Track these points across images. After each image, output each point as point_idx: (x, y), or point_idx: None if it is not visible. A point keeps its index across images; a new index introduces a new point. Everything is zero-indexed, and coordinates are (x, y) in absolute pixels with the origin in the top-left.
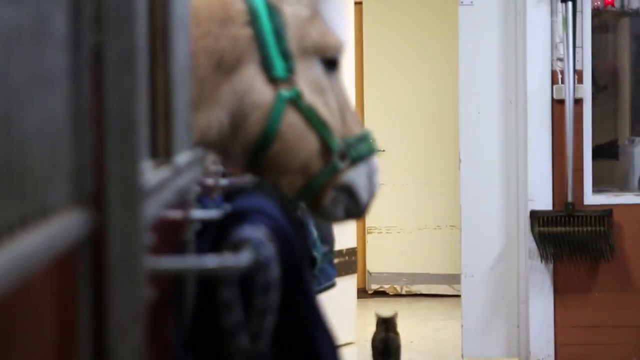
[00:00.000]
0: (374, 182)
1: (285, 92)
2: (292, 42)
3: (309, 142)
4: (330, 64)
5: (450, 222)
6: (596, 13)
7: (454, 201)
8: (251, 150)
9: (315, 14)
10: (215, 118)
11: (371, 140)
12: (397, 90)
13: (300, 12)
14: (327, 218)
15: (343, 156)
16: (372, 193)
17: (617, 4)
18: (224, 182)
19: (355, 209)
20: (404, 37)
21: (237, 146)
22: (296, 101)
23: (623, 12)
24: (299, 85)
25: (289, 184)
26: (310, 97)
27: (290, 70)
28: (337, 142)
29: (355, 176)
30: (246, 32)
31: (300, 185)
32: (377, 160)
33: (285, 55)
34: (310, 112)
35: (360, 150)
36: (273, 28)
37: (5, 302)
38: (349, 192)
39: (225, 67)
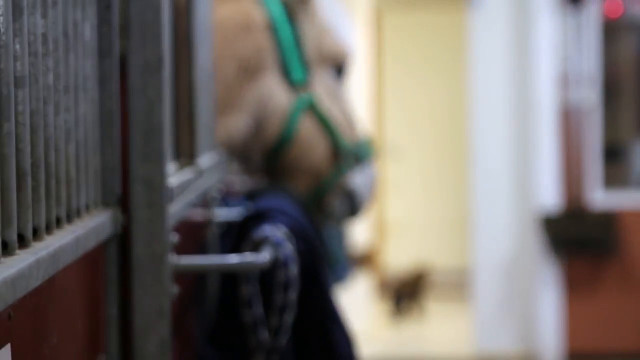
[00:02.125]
0: (371, 186)
1: (303, 96)
2: (310, 50)
3: (322, 146)
4: (339, 71)
5: (461, 219)
6: (604, 19)
7: (466, 199)
8: (269, 152)
9: (328, 24)
10: (242, 121)
11: (370, 144)
12: (412, 98)
13: (317, 23)
14: (328, 219)
15: (352, 159)
16: (368, 197)
17: (625, 11)
18: (247, 182)
19: (356, 208)
20: (418, 47)
21: (257, 149)
22: (314, 106)
23: (630, 19)
24: (316, 90)
25: (302, 186)
26: (327, 102)
27: (307, 76)
28: (345, 144)
29: (357, 180)
30: (268, 40)
31: (312, 188)
32: (374, 165)
33: (304, 63)
34: (325, 115)
35: (366, 153)
36: (293, 37)
37: (38, 298)
38: (351, 196)
39: (249, 73)
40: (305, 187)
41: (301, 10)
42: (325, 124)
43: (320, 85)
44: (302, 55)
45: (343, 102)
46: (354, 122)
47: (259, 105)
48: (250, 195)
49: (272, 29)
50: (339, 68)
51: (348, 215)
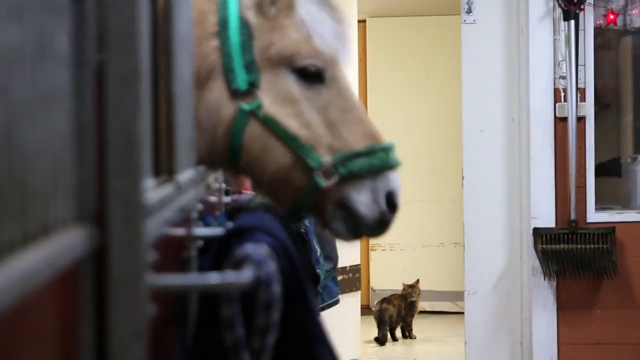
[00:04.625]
0: (381, 198)
1: (245, 105)
2: (261, 52)
3: (278, 155)
4: (311, 74)
5: (453, 239)
6: (599, 31)
7: (457, 218)
8: (227, 164)
9: (288, 23)
10: (201, 137)
11: (381, 155)
12: (401, 108)
13: (264, 22)
14: (333, 234)
15: (328, 173)
16: (379, 210)
17: (619, 22)
18: (227, 199)
19: (357, 226)
20: (407, 55)
21: (220, 163)
22: (257, 114)
23: (625, 31)
24: (261, 97)
25: (278, 199)
26: (274, 108)
27: (253, 82)
28: (316, 156)
29: (353, 193)
30: (214, 45)
31: (289, 202)
32: (393, 176)
33: (249, 68)
34: (272, 123)
35: (357, 166)
36: (240, 40)
37: (7, 320)
38: (346, 208)
39: (200, 83)
40: (281, 199)
41: (263, 6)
42: (274, 130)
43: (271, 91)
44: (248, 60)
45: (317, 107)
46: (344, 129)
47: (210, 118)
48: (232, 212)
49: (220, 31)
50: (306, 70)
51: (354, 228)
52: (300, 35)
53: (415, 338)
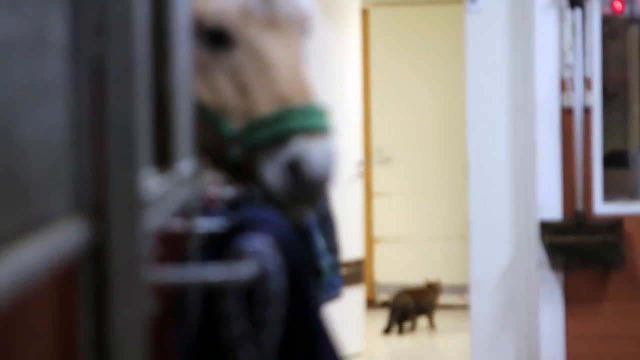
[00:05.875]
0: (284, 169)
1: None
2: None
3: (198, 124)
4: (214, 35)
5: (458, 231)
6: (605, 20)
7: (463, 211)
8: None
9: None
10: None
11: (290, 119)
12: (404, 99)
13: None
14: (267, 197)
15: (239, 142)
16: (285, 182)
17: (626, 11)
18: (229, 191)
19: (274, 202)
20: (411, 44)
21: None
22: None
23: (632, 19)
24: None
25: (219, 174)
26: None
27: None
28: (227, 125)
29: (262, 164)
30: None
31: (226, 177)
32: (302, 142)
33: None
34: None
35: (260, 134)
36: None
37: (3, 315)
38: (259, 183)
39: None
40: (219, 176)
41: None
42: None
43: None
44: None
45: (228, 72)
46: (256, 93)
47: None
48: (234, 205)
49: None
50: (213, 33)
51: (296, 192)
52: None
53: (435, 328)
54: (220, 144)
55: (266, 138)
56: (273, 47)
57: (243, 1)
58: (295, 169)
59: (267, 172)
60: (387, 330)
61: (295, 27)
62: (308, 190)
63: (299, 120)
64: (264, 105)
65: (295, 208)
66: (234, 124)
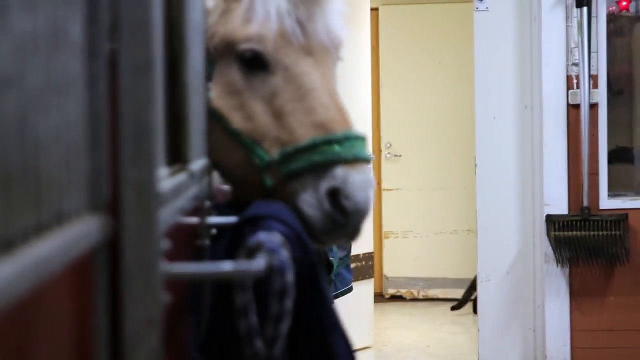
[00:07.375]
0: (323, 198)
1: None
2: (207, 42)
3: (227, 151)
4: (250, 61)
5: (466, 226)
6: (611, 18)
7: (471, 206)
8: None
9: (236, 6)
10: None
11: (326, 149)
12: (413, 96)
13: (211, 9)
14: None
15: (274, 171)
16: (323, 212)
17: (632, 9)
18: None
19: (309, 229)
20: (420, 43)
21: None
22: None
23: (638, 17)
24: (212, 89)
25: (247, 198)
26: (220, 101)
27: (210, 74)
28: (262, 153)
29: (299, 192)
30: None
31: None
32: (341, 172)
33: (208, 58)
34: (217, 116)
35: (297, 163)
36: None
37: (21, 309)
38: (295, 210)
39: None
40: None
41: None
42: (223, 128)
43: (220, 83)
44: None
45: (262, 98)
46: (292, 120)
47: None
48: (244, 202)
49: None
50: (247, 57)
51: (335, 223)
52: (240, 20)
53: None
54: (255, 171)
55: (305, 167)
56: (311, 73)
57: (281, 27)
58: (336, 199)
59: (305, 201)
60: (459, 307)
61: (330, 54)
62: (349, 222)
63: (341, 150)
64: (302, 133)
65: (334, 239)
66: (268, 152)
